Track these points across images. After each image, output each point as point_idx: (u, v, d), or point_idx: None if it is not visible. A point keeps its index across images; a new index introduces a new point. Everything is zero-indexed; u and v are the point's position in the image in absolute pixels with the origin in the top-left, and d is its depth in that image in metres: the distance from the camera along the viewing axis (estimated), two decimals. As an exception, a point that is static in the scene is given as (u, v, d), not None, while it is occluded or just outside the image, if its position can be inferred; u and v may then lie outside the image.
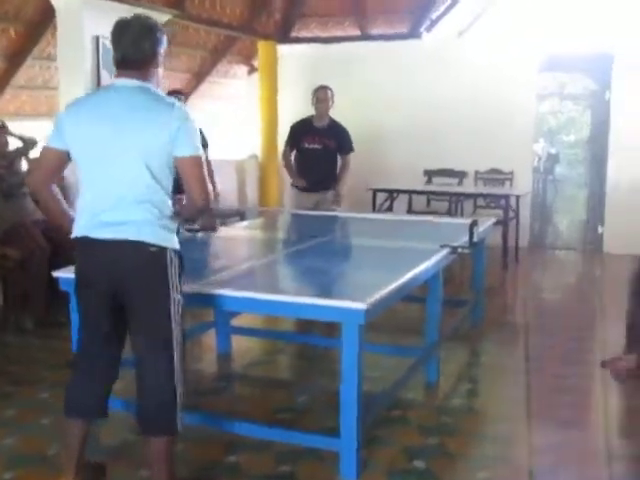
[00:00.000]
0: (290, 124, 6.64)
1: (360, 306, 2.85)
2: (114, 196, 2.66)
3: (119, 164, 2.65)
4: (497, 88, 8.70)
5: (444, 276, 4.15)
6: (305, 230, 5.00)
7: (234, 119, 10.24)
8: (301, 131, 6.40)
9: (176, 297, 2.72)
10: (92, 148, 2.68)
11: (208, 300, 3.13)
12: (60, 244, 5.47)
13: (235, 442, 3.32)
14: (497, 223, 7.61)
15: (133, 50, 2.67)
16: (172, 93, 6.49)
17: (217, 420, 3.44)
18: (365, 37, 9.46)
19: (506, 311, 6.18)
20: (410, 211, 8.59)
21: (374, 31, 9.49)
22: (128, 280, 2.67)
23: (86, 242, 2.71)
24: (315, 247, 4.24)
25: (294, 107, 9.56)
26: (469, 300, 5.42)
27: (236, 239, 4.66)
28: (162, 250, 2.66)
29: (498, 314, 5.83)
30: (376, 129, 9.11)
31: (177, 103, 2.70)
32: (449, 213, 8.46)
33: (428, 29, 9.42)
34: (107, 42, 6.18)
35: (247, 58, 9.93)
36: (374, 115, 9.14)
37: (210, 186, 2.73)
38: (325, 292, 3.09)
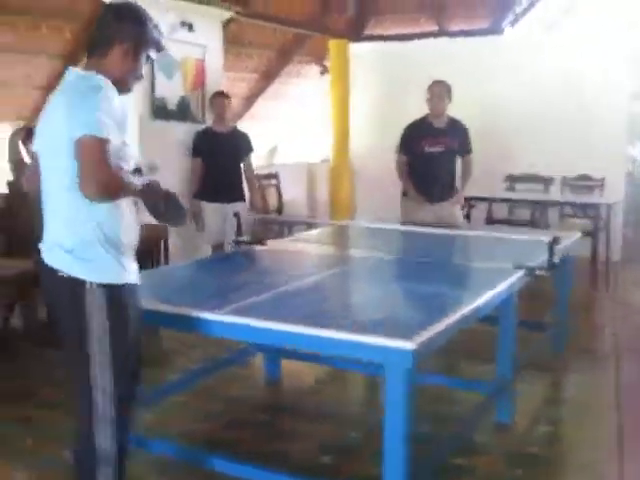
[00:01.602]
0: (403, 126, 5.68)
1: (406, 346, 2.32)
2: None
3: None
4: (587, 86, 7.97)
5: (520, 294, 3.56)
6: (365, 244, 4.47)
7: (306, 121, 9.87)
8: (418, 133, 5.55)
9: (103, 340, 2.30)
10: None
11: (206, 327, 2.69)
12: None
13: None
14: (585, 234, 7.02)
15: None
16: (217, 95, 6.15)
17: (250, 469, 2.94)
18: (443, 33, 8.91)
19: (594, 336, 5.43)
20: (489, 220, 7.95)
21: (452, 27, 8.91)
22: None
23: None
24: (366, 266, 3.73)
25: (367, 108, 9.14)
26: (550, 323, 4.80)
27: (281, 255, 4.16)
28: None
29: (585, 340, 5.15)
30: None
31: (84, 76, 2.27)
32: (532, 222, 7.77)
33: (512, 24, 8.79)
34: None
35: (319, 58, 9.51)
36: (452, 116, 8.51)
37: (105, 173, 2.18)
38: (362, 326, 2.56)
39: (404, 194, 5.67)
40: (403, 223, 5.45)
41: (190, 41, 6.26)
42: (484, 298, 2.96)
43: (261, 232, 5.91)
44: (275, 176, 8.33)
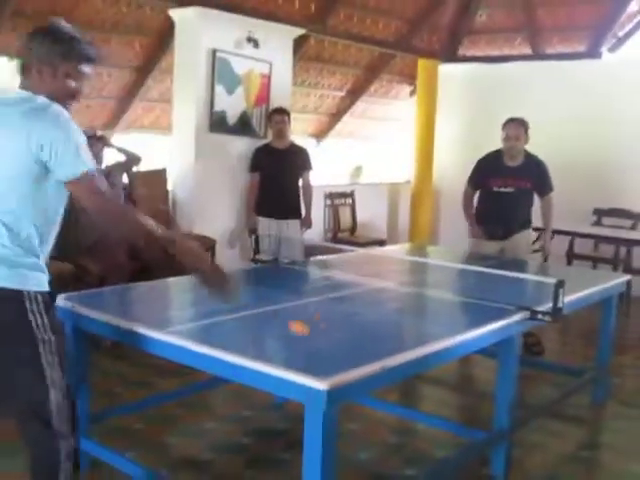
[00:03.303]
0: (478, 158, 5.45)
1: (319, 386, 2.16)
2: None
3: None
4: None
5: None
6: (377, 273, 4.28)
7: (392, 141, 9.71)
8: (489, 171, 5.29)
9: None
10: None
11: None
12: (148, 263, 5.28)
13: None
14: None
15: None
16: (276, 111, 6.12)
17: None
18: (538, 56, 8.49)
19: None
20: (571, 254, 7.49)
21: (548, 49, 8.51)
22: None
23: None
24: (360, 296, 3.56)
25: (454, 131, 8.87)
26: (588, 370, 4.44)
27: (284, 278, 4.05)
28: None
29: (634, 393, 4.71)
30: (544, 158, 8.07)
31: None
32: (615, 260, 7.26)
33: (612, 49, 8.29)
34: (224, 55, 6.01)
35: (410, 77, 9.33)
36: (542, 143, 8.07)
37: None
38: (295, 359, 2.41)
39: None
40: (470, 254, 5.29)
41: (255, 56, 6.28)
42: (452, 339, 2.74)
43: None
44: (350, 195, 8.21)
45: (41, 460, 2.39)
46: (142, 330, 2.71)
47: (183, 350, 2.54)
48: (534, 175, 5.24)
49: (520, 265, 4.69)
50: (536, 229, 5.64)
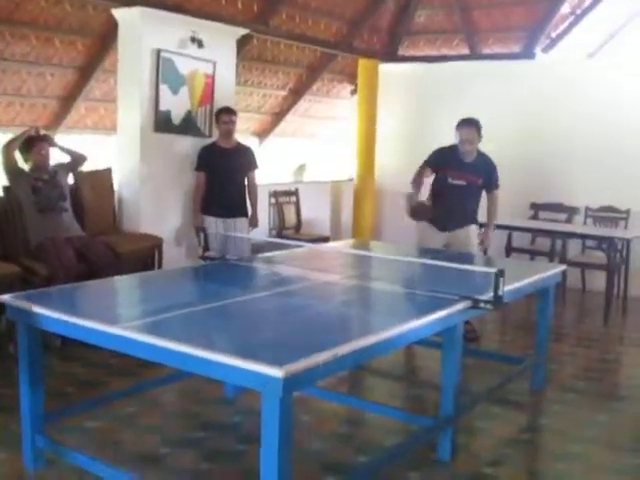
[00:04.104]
0: (434, 147, 5.63)
1: (276, 374, 2.25)
2: None
3: None
4: (624, 116, 7.65)
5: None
6: (322, 266, 4.39)
7: (335, 140, 9.83)
8: (445, 162, 5.49)
9: None
10: None
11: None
12: (95, 263, 5.28)
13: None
14: (602, 268, 6.77)
15: None
16: (224, 111, 6.18)
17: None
18: (475, 56, 8.72)
19: (585, 374, 5.06)
20: (509, 247, 7.74)
21: (485, 50, 8.75)
22: None
23: None
24: (308, 289, 3.66)
25: (395, 129, 9.04)
26: (527, 358, 4.63)
27: (234, 273, 4.13)
28: None
29: (572, 377, 4.91)
30: (482, 156, 8.30)
31: None
32: (551, 253, 7.53)
33: (546, 49, 8.58)
34: (168, 55, 6.03)
35: (351, 77, 9.46)
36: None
37: None
38: (248, 350, 2.50)
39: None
40: (419, 246, 5.55)
41: (199, 57, 6.31)
42: (399, 329, 2.86)
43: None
44: (295, 193, 8.31)
45: None
46: (96, 325, 2.75)
47: (140, 344, 2.59)
48: (485, 172, 5.52)
49: (464, 258, 4.85)
50: (482, 225, 5.84)
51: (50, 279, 5.01)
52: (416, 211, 5.30)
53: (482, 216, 5.80)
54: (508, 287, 3.46)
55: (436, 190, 5.58)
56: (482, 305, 3.38)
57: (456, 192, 5.47)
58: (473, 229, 5.69)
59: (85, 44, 6.49)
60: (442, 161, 5.49)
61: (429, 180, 5.61)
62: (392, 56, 9.11)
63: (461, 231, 5.60)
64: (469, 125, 5.38)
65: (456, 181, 5.47)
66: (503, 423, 4.08)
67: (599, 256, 7.03)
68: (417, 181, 5.44)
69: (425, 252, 4.99)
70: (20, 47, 6.16)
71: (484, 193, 5.70)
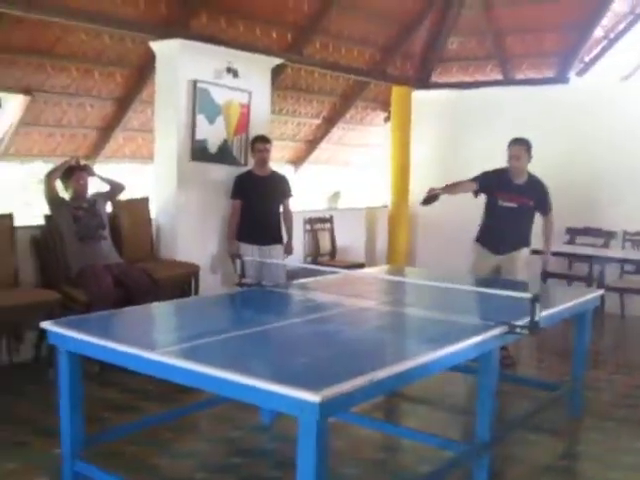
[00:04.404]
0: (483, 170, 5.57)
1: (312, 398, 2.27)
2: None
3: None
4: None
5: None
6: (359, 292, 4.40)
7: (369, 167, 9.89)
8: (495, 184, 5.48)
9: None
10: None
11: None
12: (133, 290, 5.37)
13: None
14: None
15: None
16: (259, 140, 6.26)
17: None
18: (509, 82, 8.74)
19: (628, 402, 4.97)
20: (546, 273, 7.67)
21: (518, 75, 8.77)
22: None
23: None
24: (344, 315, 3.68)
25: (429, 155, 9.07)
26: (564, 384, 4.58)
27: (269, 300, 4.17)
28: None
29: (609, 406, 4.84)
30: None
31: None
32: (589, 278, 7.45)
33: (580, 73, 8.56)
34: (204, 85, 6.15)
35: (384, 104, 9.52)
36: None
37: None
38: (285, 375, 2.52)
39: (477, 240, 5.68)
40: (473, 268, 5.56)
41: (235, 86, 6.43)
42: (435, 353, 2.86)
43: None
44: (329, 220, 8.36)
45: None
46: (135, 351, 2.79)
47: (177, 369, 2.63)
48: (536, 194, 5.52)
49: (506, 284, 4.79)
50: (535, 252, 5.82)
51: (89, 305, 5.11)
52: (427, 197, 5.20)
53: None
54: (545, 312, 3.45)
55: (487, 213, 5.63)
56: (518, 330, 3.36)
57: (507, 215, 5.47)
58: (525, 252, 5.64)
59: (123, 75, 6.67)
60: (491, 183, 5.49)
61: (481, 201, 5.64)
62: (425, 83, 9.16)
63: (513, 254, 5.56)
64: (517, 142, 5.43)
65: (506, 203, 5.46)
66: (539, 450, 4.03)
67: (638, 281, 6.95)
68: (451, 185, 5.42)
69: (464, 279, 4.97)
70: (61, 79, 6.34)
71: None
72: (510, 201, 5.46)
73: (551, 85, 8.34)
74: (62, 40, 6.07)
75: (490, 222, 5.58)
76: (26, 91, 6.28)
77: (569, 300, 4.20)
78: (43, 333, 4.94)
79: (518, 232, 5.54)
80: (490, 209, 5.60)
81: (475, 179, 5.54)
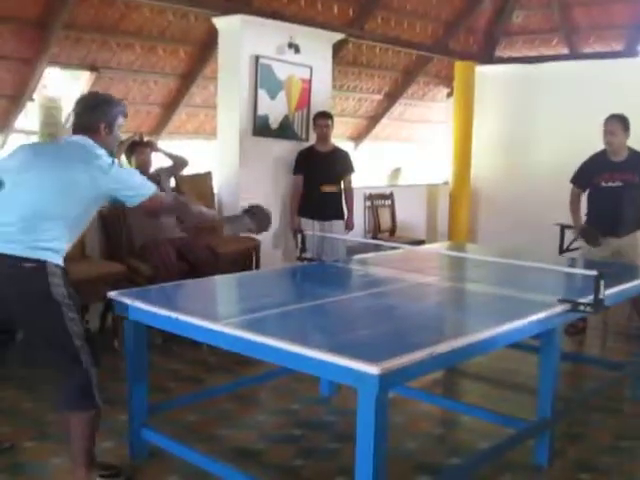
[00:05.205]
0: (583, 160, 5.49)
1: (372, 370, 2.29)
2: None
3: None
4: None
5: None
6: (423, 268, 4.39)
7: (430, 143, 9.79)
8: (595, 168, 5.38)
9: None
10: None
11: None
12: (195, 264, 5.46)
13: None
14: None
15: (78, 122, 3.18)
16: (321, 115, 6.26)
17: None
18: (575, 56, 8.52)
19: None
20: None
21: (585, 49, 8.54)
22: None
23: None
24: (406, 290, 3.68)
25: (492, 131, 8.93)
26: (628, 364, 4.49)
27: (331, 275, 4.19)
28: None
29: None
30: (582, 157, 8.08)
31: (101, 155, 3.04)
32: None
33: (649, 47, 8.30)
34: (266, 61, 6.17)
35: (447, 80, 9.40)
36: (582, 143, 8.08)
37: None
38: (345, 347, 2.53)
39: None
40: (590, 253, 5.36)
41: (296, 62, 6.43)
42: (497, 329, 2.84)
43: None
44: (390, 196, 8.32)
45: (75, 381, 2.93)
46: (198, 322, 2.85)
47: (240, 340, 2.67)
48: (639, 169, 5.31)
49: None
50: None
51: (153, 279, 5.21)
52: (586, 233, 5.32)
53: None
54: (610, 290, 3.38)
55: (591, 197, 5.46)
56: (582, 308, 3.31)
57: (612, 195, 5.28)
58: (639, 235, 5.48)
59: (187, 52, 6.74)
60: (590, 170, 5.38)
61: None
62: (489, 58, 9.01)
63: (628, 238, 5.38)
64: (612, 118, 5.27)
65: (609, 183, 5.29)
66: (602, 430, 3.97)
67: None
68: (573, 206, 5.44)
69: (528, 256, 4.90)
70: (125, 56, 6.45)
71: None
72: (613, 180, 5.28)
73: (620, 59, 8.09)
74: (126, 17, 6.17)
75: (595, 206, 5.39)
76: (92, 68, 6.42)
77: (636, 278, 4.10)
78: (109, 304, 5.13)
79: (628, 212, 5.32)
80: (594, 192, 5.41)
81: (574, 183, 5.46)
